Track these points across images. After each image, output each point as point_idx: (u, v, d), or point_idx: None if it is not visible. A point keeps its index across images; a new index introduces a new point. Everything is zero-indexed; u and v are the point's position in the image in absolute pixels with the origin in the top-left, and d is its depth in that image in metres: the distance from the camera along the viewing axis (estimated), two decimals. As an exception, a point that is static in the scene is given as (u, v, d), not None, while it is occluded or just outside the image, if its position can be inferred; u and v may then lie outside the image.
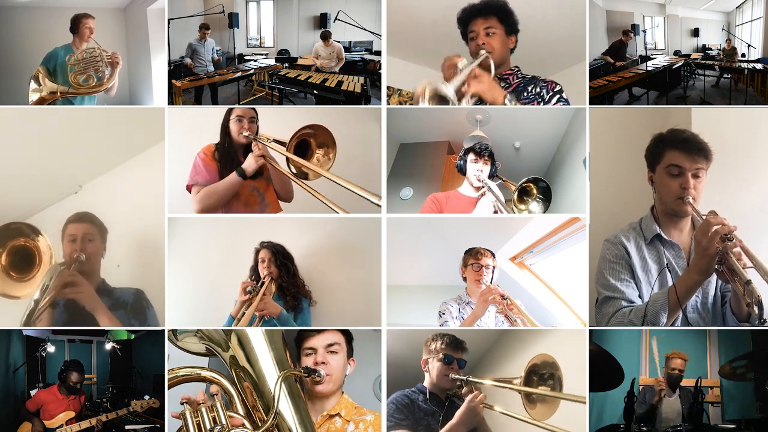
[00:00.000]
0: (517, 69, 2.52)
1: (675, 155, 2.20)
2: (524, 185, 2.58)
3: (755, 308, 1.93)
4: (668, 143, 2.23)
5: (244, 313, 2.46)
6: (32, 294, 2.36)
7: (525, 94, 2.43)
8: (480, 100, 2.33)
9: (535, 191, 2.58)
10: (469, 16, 2.44)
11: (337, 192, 2.36)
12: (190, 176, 2.60)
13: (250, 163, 2.54)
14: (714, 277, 2.25)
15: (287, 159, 2.53)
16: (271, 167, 2.61)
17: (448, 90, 2.13)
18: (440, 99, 2.12)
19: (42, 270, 2.36)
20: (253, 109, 2.67)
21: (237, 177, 2.54)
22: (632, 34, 3.37)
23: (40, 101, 2.83)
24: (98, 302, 2.50)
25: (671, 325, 2.15)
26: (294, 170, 2.53)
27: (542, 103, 2.42)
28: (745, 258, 1.99)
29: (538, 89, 2.42)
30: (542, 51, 3.27)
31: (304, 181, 2.50)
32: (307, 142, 2.55)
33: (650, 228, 2.27)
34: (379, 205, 2.26)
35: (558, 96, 2.41)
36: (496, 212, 2.64)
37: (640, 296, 2.22)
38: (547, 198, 2.57)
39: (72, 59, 2.87)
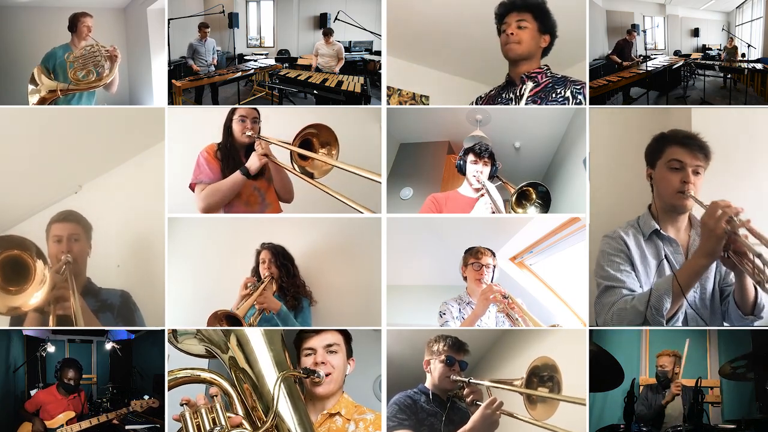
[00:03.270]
0: (546, 68, 2.55)
1: (676, 150, 2.23)
2: (523, 189, 2.57)
3: (767, 284, 1.93)
4: (670, 140, 2.27)
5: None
6: (28, 303, 2.30)
7: (554, 95, 2.47)
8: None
9: (534, 196, 2.58)
10: (506, 10, 2.51)
11: (344, 191, 2.37)
12: (194, 174, 2.61)
13: (253, 162, 2.56)
14: (712, 272, 2.27)
15: (291, 158, 2.55)
16: (274, 166, 2.63)
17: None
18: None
19: (33, 286, 2.29)
20: (256, 109, 2.67)
21: (240, 175, 2.56)
22: (635, 33, 3.37)
23: (41, 102, 2.82)
24: (90, 316, 2.50)
25: (673, 317, 2.15)
26: (298, 169, 2.55)
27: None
28: (752, 238, 1.99)
29: (568, 93, 2.46)
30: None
31: (310, 180, 2.53)
32: (310, 142, 2.57)
33: (648, 224, 2.29)
34: (379, 182, 2.31)
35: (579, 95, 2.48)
36: (493, 212, 2.64)
37: (640, 287, 2.23)
38: (545, 204, 2.55)
39: (71, 56, 2.87)
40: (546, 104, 2.48)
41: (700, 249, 2.07)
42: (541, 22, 2.49)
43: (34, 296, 2.29)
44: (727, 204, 2.00)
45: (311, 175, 2.57)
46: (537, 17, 2.48)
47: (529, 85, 2.48)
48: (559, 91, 2.47)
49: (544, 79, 2.51)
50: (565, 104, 2.47)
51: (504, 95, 2.62)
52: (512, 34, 2.46)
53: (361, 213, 2.28)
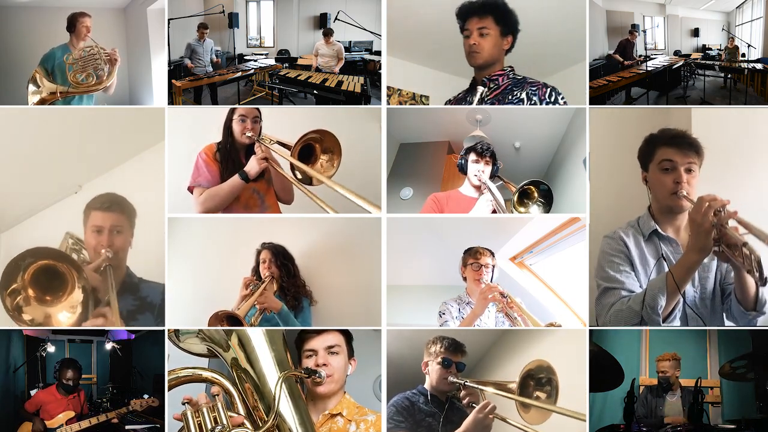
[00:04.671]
0: (510, 69, 2.54)
1: (666, 151, 2.23)
2: (525, 188, 2.57)
3: (756, 272, 1.93)
4: (659, 141, 2.27)
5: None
6: (56, 315, 2.22)
7: (510, 97, 2.47)
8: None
9: (536, 194, 2.57)
10: (467, 13, 2.48)
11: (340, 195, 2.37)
12: (192, 177, 2.59)
13: (252, 166, 2.53)
14: (712, 272, 2.27)
15: (290, 162, 2.52)
16: (273, 170, 2.61)
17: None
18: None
19: (71, 298, 2.21)
20: (257, 108, 2.65)
21: (239, 180, 2.53)
22: (637, 33, 3.38)
23: (41, 103, 2.82)
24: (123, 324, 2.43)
25: (670, 315, 2.14)
26: (299, 175, 2.51)
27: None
28: (741, 229, 1.99)
29: (523, 95, 2.45)
30: (542, 51, 3.27)
31: (307, 187, 2.48)
32: (312, 147, 2.52)
33: (648, 225, 2.29)
34: (370, 212, 2.20)
35: (557, 103, 2.47)
36: (494, 212, 2.64)
37: (640, 287, 2.23)
38: (548, 202, 2.55)
39: (70, 58, 2.86)
40: (502, 105, 2.49)
41: (690, 245, 2.06)
42: (504, 24, 2.45)
43: (62, 313, 2.23)
44: (712, 197, 2.00)
45: (311, 181, 2.51)
46: (498, 20, 2.44)
47: (480, 89, 2.46)
48: (516, 93, 2.48)
49: (505, 81, 2.50)
50: (520, 105, 2.47)
51: (467, 98, 2.62)
52: (474, 44, 2.44)
53: (369, 213, 2.21)
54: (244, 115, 2.59)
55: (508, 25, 2.47)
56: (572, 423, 2.28)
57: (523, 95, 2.46)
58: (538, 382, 2.26)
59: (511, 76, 2.52)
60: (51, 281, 2.21)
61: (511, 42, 2.50)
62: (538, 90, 2.47)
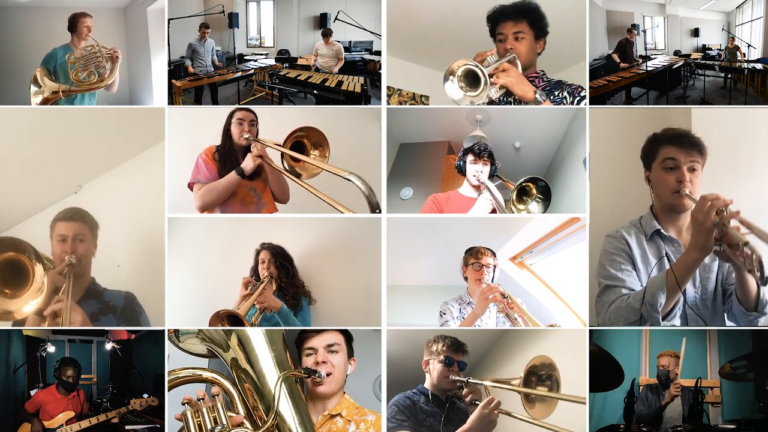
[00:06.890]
0: (542, 73, 2.53)
1: (670, 150, 2.23)
2: (523, 185, 2.57)
3: (757, 272, 1.92)
4: (662, 140, 2.27)
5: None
6: (21, 310, 2.24)
7: (552, 97, 2.46)
8: (507, 94, 2.38)
9: (534, 191, 2.58)
10: (500, 17, 2.45)
11: (338, 191, 2.37)
12: (192, 175, 2.66)
13: (247, 162, 2.61)
14: (714, 273, 2.27)
15: (282, 158, 2.60)
16: (269, 168, 2.66)
17: (481, 70, 2.13)
18: (472, 78, 2.11)
19: (30, 292, 2.22)
20: (254, 112, 2.71)
21: (236, 176, 2.60)
22: (636, 32, 3.38)
23: (44, 102, 2.83)
24: (86, 323, 2.46)
25: (670, 313, 2.14)
26: (287, 167, 2.61)
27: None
28: (743, 229, 1.99)
29: (565, 93, 2.45)
30: (542, 51, 3.27)
31: (300, 180, 2.58)
32: (302, 144, 2.62)
33: (650, 224, 2.29)
34: (348, 179, 2.31)
35: (583, 100, 2.48)
36: (494, 211, 2.64)
37: (641, 286, 2.22)
38: (546, 198, 2.56)
39: (72, 57, 2.88)
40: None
41: (692, 243, 2.06)
42: (537, 28, 2.44)
43: (29, 304, 2.24)
44: (715, 197, 2.00)
45: (299, 176, 2.62)
46: (533, 24, 2.43)
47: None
48: (557, 93, 2.48)
49: (541, 83, 2.50)
50: (563, 103, 2.47)
51: (503, 99, 2.61)
52: (511, 48, 2.41)
53: (342, 213, 2.32)
54: (242, 118, 2.67)
55: (542, 28, 2.45)
56: (574, 417, 2.29)
57: (566, 93, 2.47)
58: (540, 378, 2.26)
59: (545, 79, 2.52)
60: (12, 275, 2.23)
61: (542, 46, 2.48)
62: (576, 90, 2.47)
